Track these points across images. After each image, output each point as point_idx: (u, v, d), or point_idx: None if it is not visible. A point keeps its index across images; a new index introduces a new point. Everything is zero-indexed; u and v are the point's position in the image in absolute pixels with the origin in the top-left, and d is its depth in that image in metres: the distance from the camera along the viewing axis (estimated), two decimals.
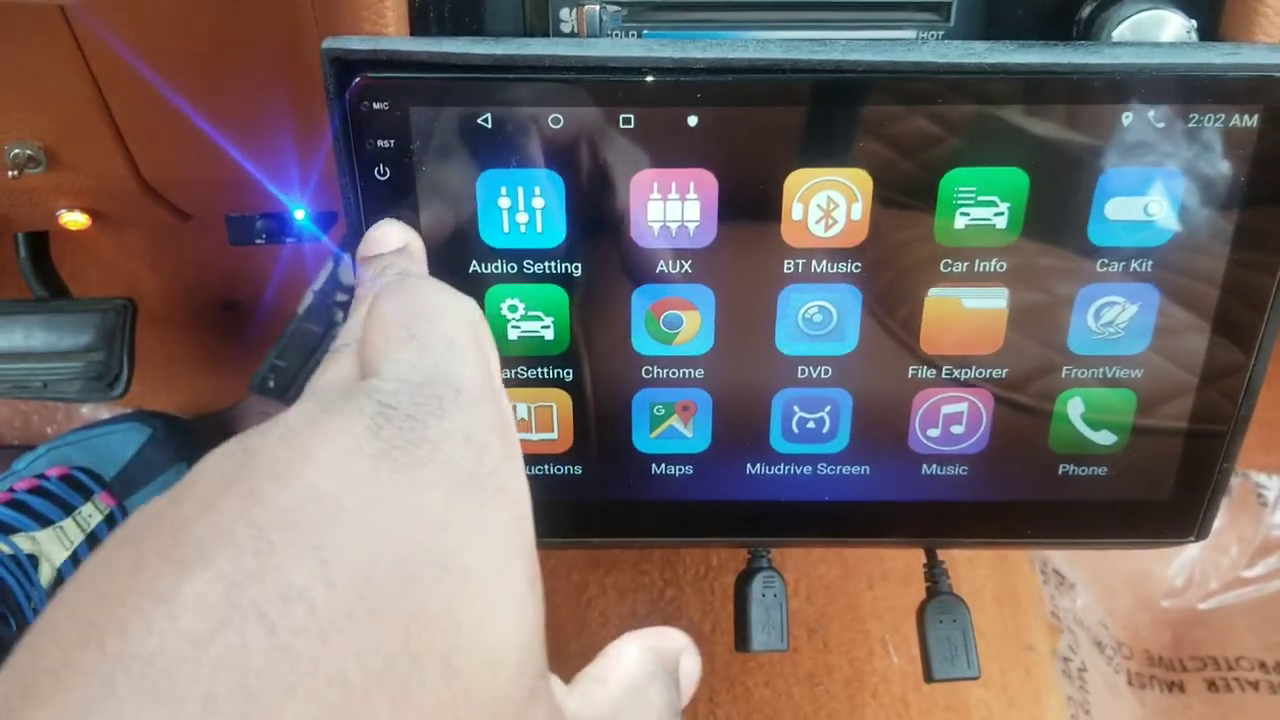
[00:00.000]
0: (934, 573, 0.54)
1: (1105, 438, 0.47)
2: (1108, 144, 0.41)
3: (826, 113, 0.41)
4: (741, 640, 0.52)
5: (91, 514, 0.91)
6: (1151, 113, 0.41)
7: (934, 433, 0.48)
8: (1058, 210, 0.43)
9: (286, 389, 0.99)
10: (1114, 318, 0.45)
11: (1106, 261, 0.44)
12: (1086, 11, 0.45)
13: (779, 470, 0.49)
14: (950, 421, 0.47)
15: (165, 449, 0.99)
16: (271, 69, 0.53)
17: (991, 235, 0.43)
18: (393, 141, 0.41)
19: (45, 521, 0.88)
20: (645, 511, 0.50)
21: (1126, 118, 0.41)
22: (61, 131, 0.58)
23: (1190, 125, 0.41)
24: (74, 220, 0.67)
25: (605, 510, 0.50)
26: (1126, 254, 0.44)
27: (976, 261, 0.44)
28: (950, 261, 0.44)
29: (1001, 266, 0.44)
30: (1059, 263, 0.44)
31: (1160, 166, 0.42)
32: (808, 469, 0.48)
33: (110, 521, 0.92)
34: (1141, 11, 0.43)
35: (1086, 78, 0.40)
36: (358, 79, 0.40)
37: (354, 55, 0.40)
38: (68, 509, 0.90)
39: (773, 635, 0.52)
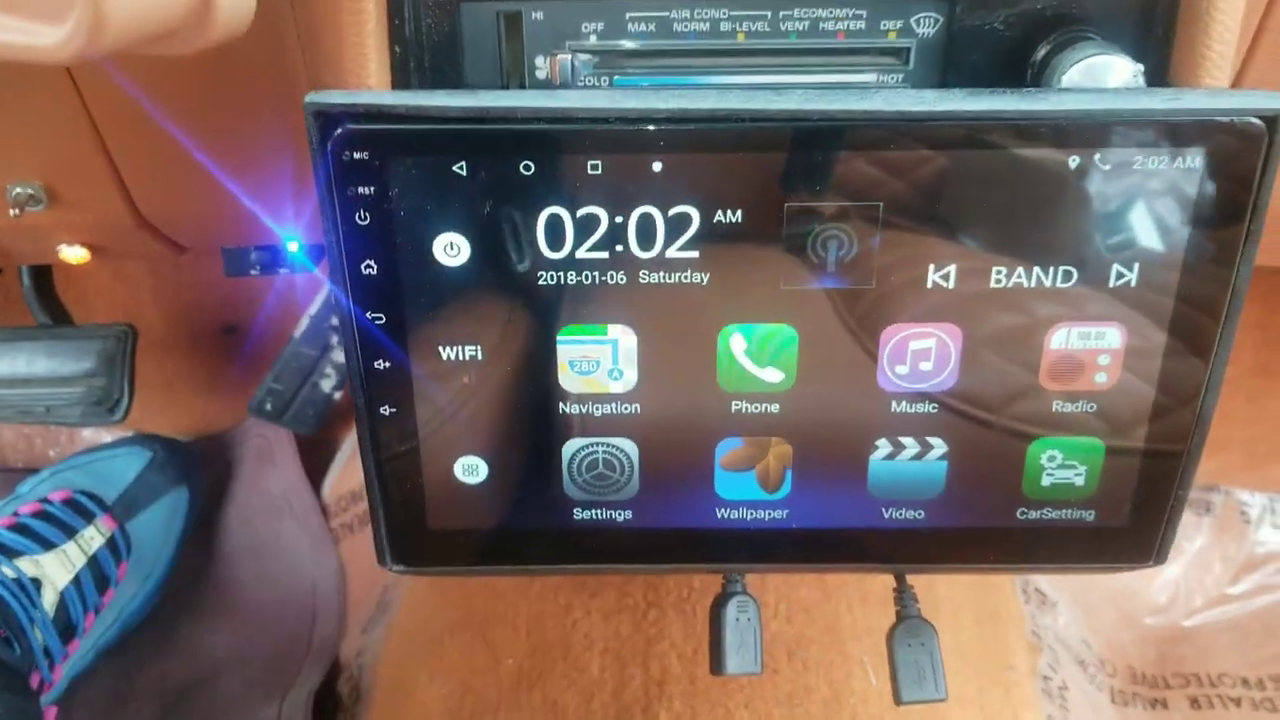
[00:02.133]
0: (903, 597, 0.55)
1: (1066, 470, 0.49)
2: (1056, 187, 0.43)
3: (788, 158, 0.43)
4: (716, 663, 0.54)
5: (93, 537, 0.93)
6: (1098, 155, 0.42)
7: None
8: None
9: (283, 411, 1.01)
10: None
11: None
12: (1040, 55, 0.47)
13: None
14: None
15: (165, 471, 1.01)
16: (265, 111, 0.55)
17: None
18: (372, 189, 0.43)
19: (48, 545, 0.90)
20: (623, 539, 0.52)
21: (1074, 161, 0.42)
22: (61, 171, 0.61)
23: (1135, 167, 0.43)
24: (74, 255, 0.69)
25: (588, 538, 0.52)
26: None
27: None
28: None
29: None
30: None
31: (1107, 208, 0.43)
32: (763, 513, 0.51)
33: (111, 544, 0.94)
34: (1091, 56, 0.45)
35: (1034, 124, 0.42)
36: (339, 130, 0.42)
37: (335, 108, 0.41)
38: (70, 532, 0.92)
39: (747, 658, 0.54)
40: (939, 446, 0.49)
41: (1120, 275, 0.45)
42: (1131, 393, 0.47)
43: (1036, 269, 0.45)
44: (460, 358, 0.47)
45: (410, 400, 0.47)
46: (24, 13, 0.38)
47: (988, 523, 0.51)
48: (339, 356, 0.96)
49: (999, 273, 0.45)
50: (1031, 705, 0.76)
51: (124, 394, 0.92)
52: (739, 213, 0.44)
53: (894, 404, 0.48)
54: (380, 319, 0.46)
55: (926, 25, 0.48)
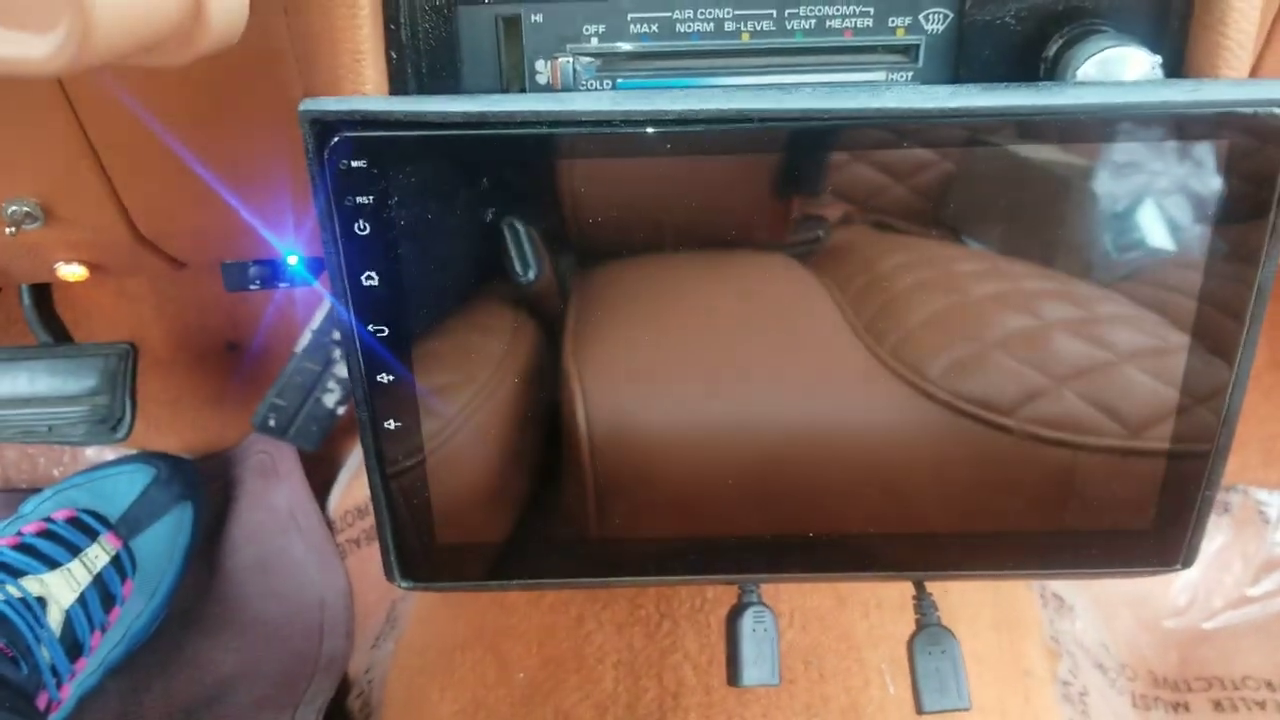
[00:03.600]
0: (922, 605, 0.54)
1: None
2: (1072, 184, 0.42)
3: (797, 159, 0.42)
4: (733, 675, 0.53)
5: (98, 555, 0.92)
6: (1116, 150, 0.41)
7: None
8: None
9: (287, 427, 1.00)
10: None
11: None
12: (1053, 50, 0.46)
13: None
14: None
15: (169, 488, 1.00)
16: (260, 122, 0.54)
17: None
18: (372, 198, 0.42)
19: (52, 564, 0.89)
20: (637, 551, 0.51)
21: (1090, 156, 0.41)
22: (57, 188, 0.60)
23: (1154, 162, 0.41)
24: (72, 273, 0.68)
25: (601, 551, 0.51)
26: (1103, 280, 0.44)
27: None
28: None
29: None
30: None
31: (1126, 204, 0.42)
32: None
33: (116, 562, 0.93)
34: (1107, 49, 0.44)
35: (1052, 119, 0.41)
36: (336, 138, 0.41)
37: (331, 116, 0.40)
38: (74, 551, 0.91)
39: (764, 669, 0.53)
40: (956, 451, 0.48)
41: (1140, 273, 0.44)
42: (1154, 394, 0.46)
43: (1052, 268, 0.44)
44: (466, 370, 0.46)
45: (415, 414, 0.46)
46: (11, 24, 0.37)
47: (1010, 528, 0.50)
48: (341, 371, 0.95)
49: (1013, 273, 0.44)
50: (1052, 711, 0.74)
51: (126, 412, 0.91)
52: (747, 215, 0.43)
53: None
54: (383, 332, 0.44)
55: (936, 21, 0.47)
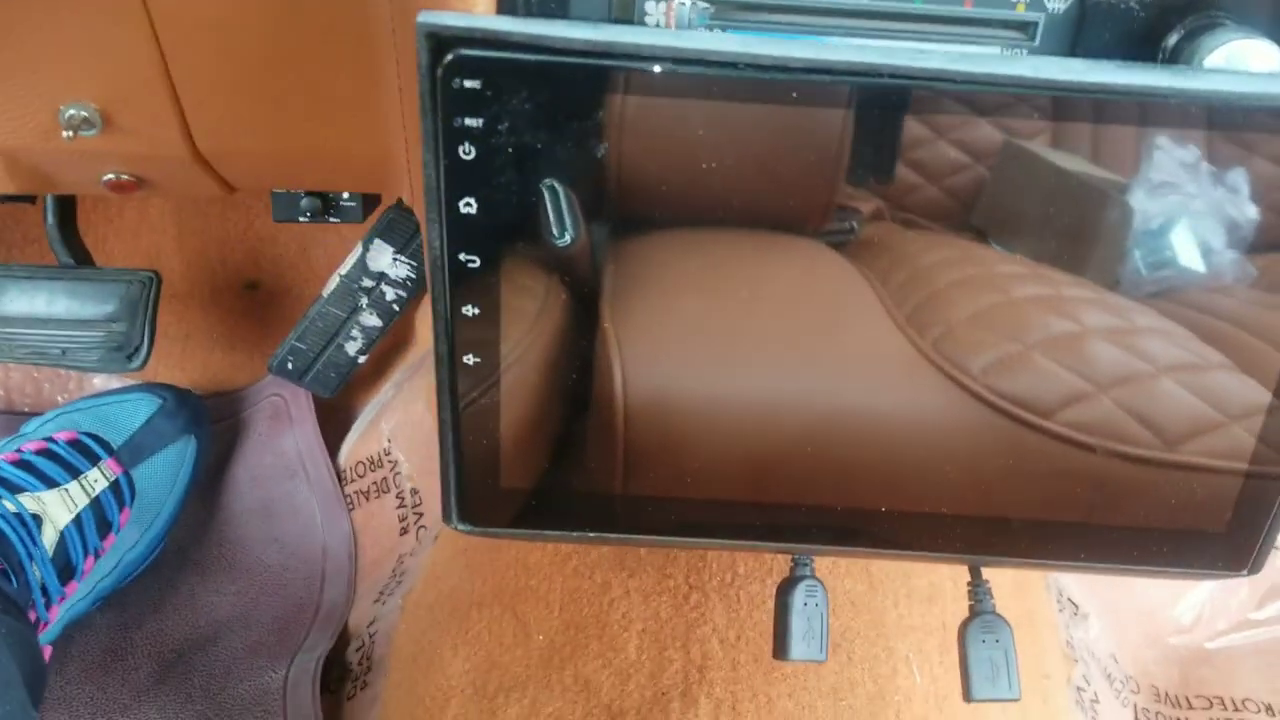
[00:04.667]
0: (978, 591, 0.53)
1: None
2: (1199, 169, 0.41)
3: (910, 119, 0.41)
4: (780, 648, 0.52)
5: (97, 479, 0.91)
6: (1237, 144, 0.40)
7: None
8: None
9: (305, 371, 0.99)
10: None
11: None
12: (1173, 40, 0.45)
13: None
14: None
15: (174, 420, 0.98)
16: (343, 47, 0.52)
17: None
18: (481, 121, 0.40)
19: (51, 483, 0.87)
20: (684, 510, 0.50)
21: (1208, 147, 0.41)
22: (119, 96, 0.58)
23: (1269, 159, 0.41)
24: (117, 184, 0.66)
25: (641, 505, 0.49)
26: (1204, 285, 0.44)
27: None
28: None
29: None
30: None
31: (1228, 204, 0.42)
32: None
33: (115, 488, 0.91)
34: (1233, 40, 0.43)
35: (1188, 102, 0.40)
36: (451, 55, 0.39)
37: (449, 31, 0.39)
38: (74, 472, 0.89)
39: (813, 645, 0.52)
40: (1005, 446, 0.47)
41: (1240, 278, 0.43)
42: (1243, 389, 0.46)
43: (1131, 271, 0.43)
44: (552, 306, 0.45)
45: (495, 350, 0.45)
46: None
47: (1075, 519, 0.49)
48: (367, 319, 0.94)
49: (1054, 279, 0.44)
50: (1066, 715, 0.74)
51: (144, 341, 0.89)
52: (799, 196, 0.42)
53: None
54: (474, 262, 0.43)
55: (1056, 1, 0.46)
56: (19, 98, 0.58)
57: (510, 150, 0.41)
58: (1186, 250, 0.43)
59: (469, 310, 0.44)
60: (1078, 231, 0.43)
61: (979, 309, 0.45)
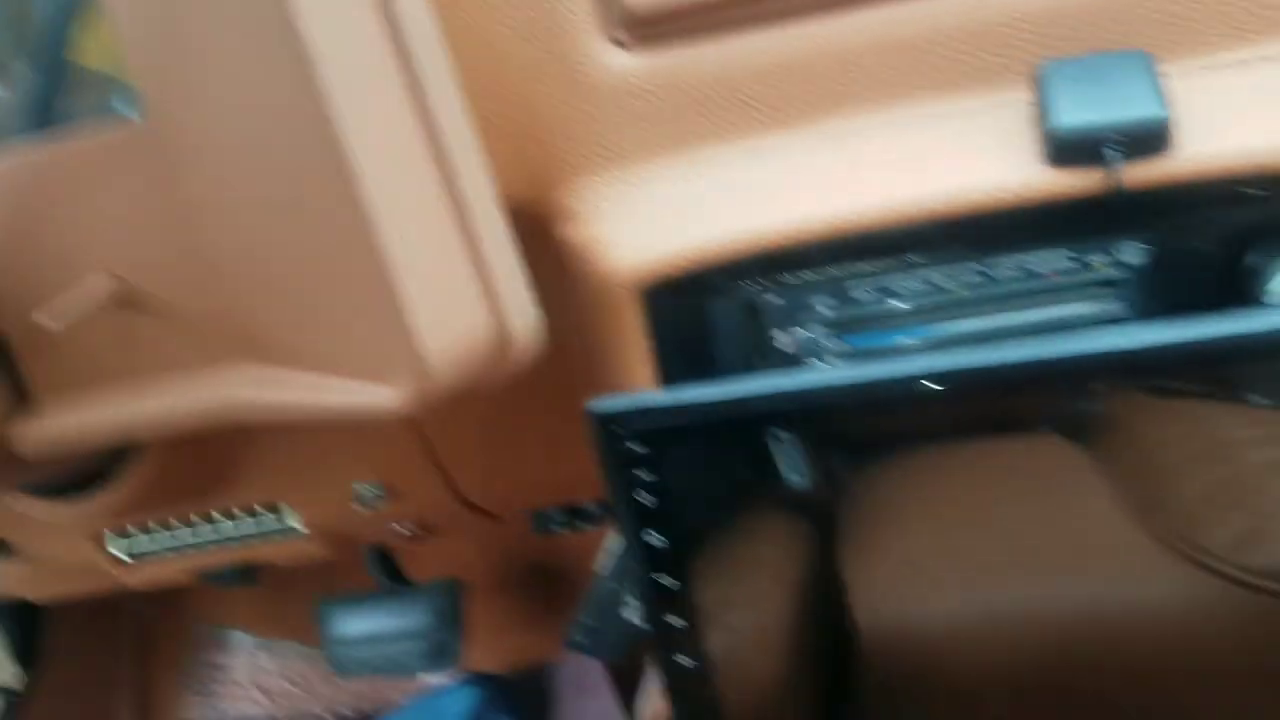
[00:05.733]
0: None
1: None
2: None
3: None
4: None
5: None
6: None
7: None
8: None
9: (597, 644, 1.09)
10: None
11: None
12: (1248, 263, 0.49)
13: None
14: None
15: (495, 705, 1.10)
16: (556, 408, 0.64)
17: None
18: (650, 473, 0.50)
19: None
20: None
21: None
22: (397, 470, 0.72)
23: None
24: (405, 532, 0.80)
25: None
26: None
27: None
28: None
29: None
30: None
31: None
32: None
33: None
34: None
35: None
36: (617, 429, 0.49)
37: (611, 414, 0.49)
38: None
39: None
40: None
41: None
42: None
43: None
44: (741, 605, 0.52)
45: (699, 646, 0.53)
46: (364, 377, 0.48)
47: None
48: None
49: None
50: None
51: (455, 642, 1.03)
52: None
53: None
54: (670, 582, 0.52)
55: (1131, 254, 0.51)
56: (321, 485, 0.73)
57: (679, 490, 0.50)
58: None
59: (671, 620, 0.52)
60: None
61: (1214, 482, 0.45)
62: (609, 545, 1.06)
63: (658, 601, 0.52)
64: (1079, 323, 0.53)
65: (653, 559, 0.52)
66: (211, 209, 0.48)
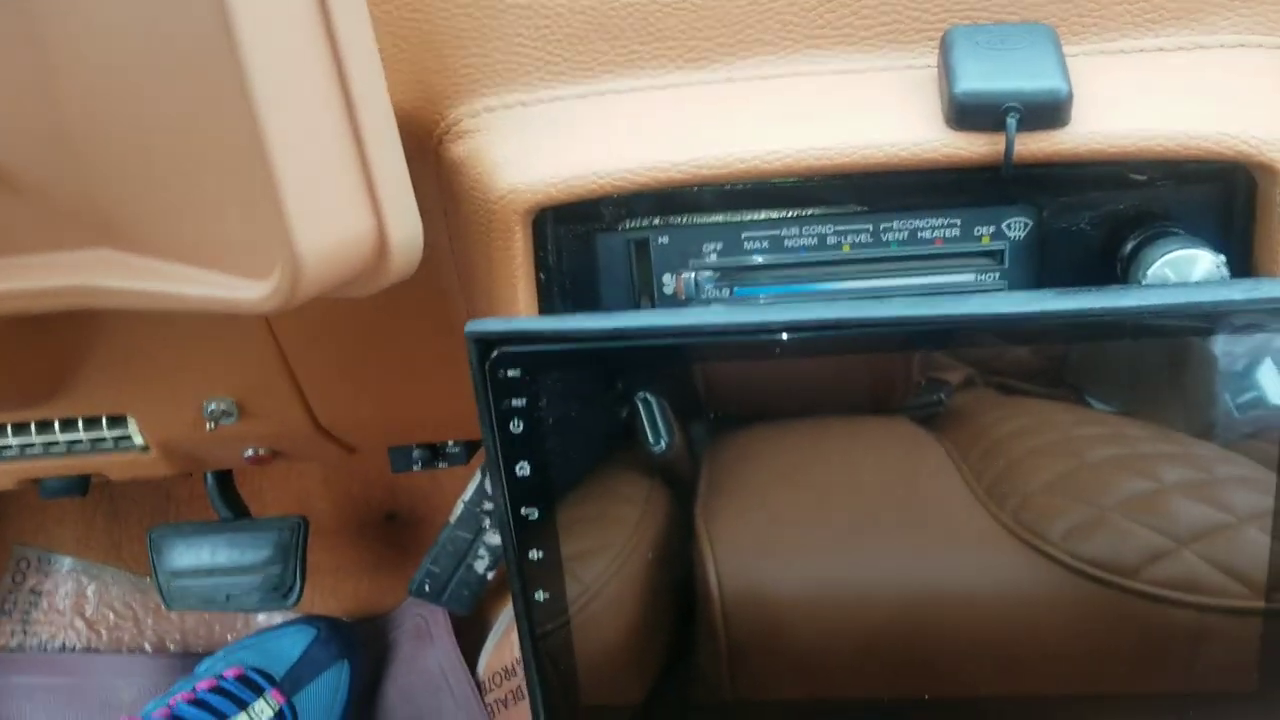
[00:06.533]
0: None
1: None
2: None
3: (890, 359, 0.47)
4: None
5: (263, 709, 1.00)
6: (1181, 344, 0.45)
7: None
8: None
9: (441, 592, 1.07)
10: None
11: None
12: (1127, 250, 0.51)
13: None
14: None
15: (328, 648, 1.08)
16: (427, 334, 0.62)
17: None
18: (524, 401, 0.49)
19: (222, 716, 0.97)
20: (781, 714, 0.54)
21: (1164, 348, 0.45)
22: (251, 390, 0.69)
23: (1235, 351, 0.44)
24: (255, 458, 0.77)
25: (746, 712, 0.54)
26: None
27: None
28: None
29: None
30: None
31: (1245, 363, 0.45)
32: None
33: (279, 717, 1.00)
34: (1175, 251, 0.48)
35: (1124, 319, 0.44)
36: (495, 353, 0.48)
37: (492, 335, 0.48)
38: (242, 705, 0.99)
39: None
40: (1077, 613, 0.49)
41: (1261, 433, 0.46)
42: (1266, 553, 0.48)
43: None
44: (606, 539, 0.51)
45: (561, 585, 0.52)
46: (231, 270, 0.46)
47: (1122, 690, 0.51)
48: (491, 539, 1.02)
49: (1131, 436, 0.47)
50: None
51: (296, 580, 1.00)
52: (864, 387, 0.47)
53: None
54: (533, 513, 0.51)
55: (1017, 229, 0.52)
56: (171, 398, 0.70)
57: (551, 420, 0.49)
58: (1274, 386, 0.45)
59: (535, 554, 0.51)
60: (1166, 379, 0.45)
61: (1055, 475, 0.47)
62: (463, 494, 1.04)
63: (519, 534, 0.51)
64: (958, 292, 0.54)
65: (519, 490, 0.50)
66: (79, 79, 0.44)
